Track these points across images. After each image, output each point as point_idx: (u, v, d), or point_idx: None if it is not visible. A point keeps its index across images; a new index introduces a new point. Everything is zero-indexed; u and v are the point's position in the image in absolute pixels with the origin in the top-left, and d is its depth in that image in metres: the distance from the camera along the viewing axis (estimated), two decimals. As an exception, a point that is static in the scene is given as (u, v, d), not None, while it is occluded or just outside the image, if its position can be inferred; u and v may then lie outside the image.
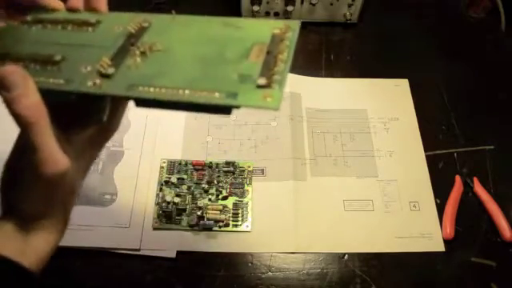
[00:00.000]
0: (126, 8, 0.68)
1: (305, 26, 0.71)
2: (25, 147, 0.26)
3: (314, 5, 0.67)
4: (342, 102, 0.62)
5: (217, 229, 0.51)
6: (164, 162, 0.56)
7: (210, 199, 0.53)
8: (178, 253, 0.50)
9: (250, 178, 0.55)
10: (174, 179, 0.54)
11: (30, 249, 0.29)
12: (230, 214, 0.52)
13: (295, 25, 0.26)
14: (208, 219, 0.51)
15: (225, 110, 0.23)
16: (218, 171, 0.55)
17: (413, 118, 0.61)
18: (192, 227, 0.51)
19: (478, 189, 0.54)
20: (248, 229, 0.51)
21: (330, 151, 0.58)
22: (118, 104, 0.32)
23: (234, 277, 0.49)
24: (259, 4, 0.67)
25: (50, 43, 0.28)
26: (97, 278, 0.49)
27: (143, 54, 0.27)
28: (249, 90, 0.23)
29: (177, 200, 0.52)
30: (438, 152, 0.59)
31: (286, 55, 0.24)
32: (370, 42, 0.70)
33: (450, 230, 0.51)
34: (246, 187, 0.54)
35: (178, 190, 0.53)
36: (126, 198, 0.53)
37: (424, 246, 0.51)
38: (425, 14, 0.74)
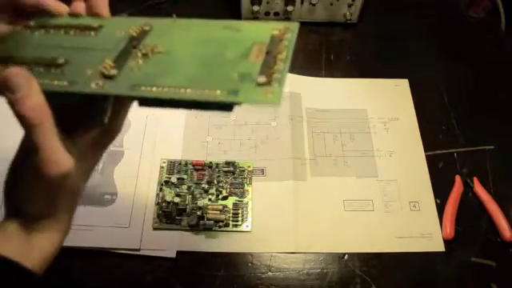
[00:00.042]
0: (127, 7, 0.68)
1: (305, 25, 0.71)
2: (28, 148, 0.26)
3: (314, 5, 0.67)
4: (342, 101, 0.62)
5: (217, 229, 0.51)
6: (164, 162, 0.56)
7: (209, 199, 0.53)
8: (178, 253, 0.50)
9: (250, 178, 0.55)
10: (173, 179, 0.54)
11: (33, 250, 0.29)
12: (230, 214, 0.52)
13: (294, 26, 0.27)
14: (208, 219, 0.51)
15: (226, 107, 0.24)
16: (218, 171, 0.55)
17: (413, 118, 0.61)
18: (192, 227, 0.51)
19: (478, 189, 0.54)
20: (248, 229, 0.51)
21: (330, 151, 0.58)
22: (119, 106, 0.32)
23: (233, 277, 0.49)
24: (259, 4, 0.67)
25: (53, 47, 0.29)
26: (97, 277, 0.49)
27: (145, 55, 0.27)
28: (249, 87, 0.23)
29: (177, 200, 0.52)
30: (438, 152, 0.59)
31: (285, 55, 0.25)
32: (370, 42, 0.70)
33: (449, 230, 0.51)
34: (246, 187, 0.54)
35: (177, 189, 0.53)
36: (126, 198, 0.53)
37: (424, 245, 0.51)
38: (425, 14, 0.74)
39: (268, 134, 0.59)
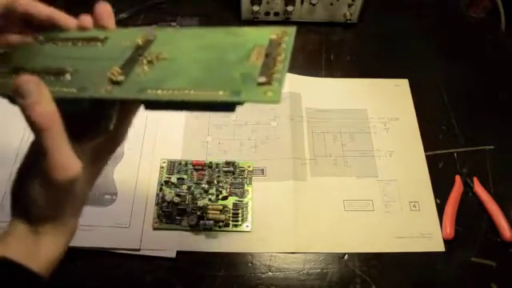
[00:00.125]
0: (127, 7, 0.68)
1: (305, 25, 0.71)
2: (37, 152, 0.27)
3: (314, 5, 0.67)
4: (342, 101, 0.63)
5: (217, 229, 0.51)
6: (164, 162, 0.56)
7: (210, 199, 0.53)
8: (178, 253, 0.50)
9: (250, 178, 0.55)
10: (173, 179, 0.54)
11: (39, 252, 0.30)
12: (230, 214, 0.52)
13: (291, 30, 0.28)
14: (208, 219, 0.51)
15: (229, 107, 0.25)
16: (218, 171, 0.55)
17: (413, 118, 0.61)
18: (192, 227, 0.51)
19: (478, 189, 0.54)
20: (248, 229, 0.51)
21: (330, 151, 0.58)
22: (124, 114, 0.32)
23: (233, 277, 0.49)
24: (259, 4, 0.67)
25: (61, 58, 0.30)
26: (97, 277, 0.49)
27: (150, 62, 0.28)
28: (251, 87, 0.24)
29: (177, 200, 0.52)
30: (438, 152, 0.59)
31: (284, 56, 0.26)
32: (370, 42, 0.70)
33: (449, 230, 0.51)
34: (246, 187, 0.54)
35: (177, 189, 0.53)
36: (126, 198, 0.53)
37: (424, 245, 0.51)
38: (425, 14, 0.74)
39: (268, 134, 0.59)
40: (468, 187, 0.55)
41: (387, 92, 0.64)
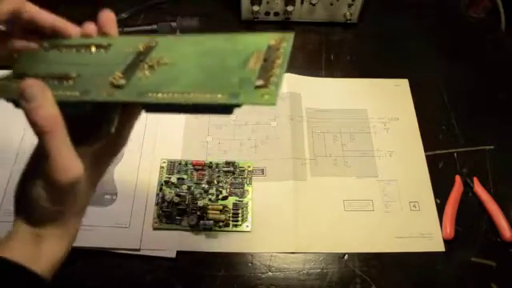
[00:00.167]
0: (127, 7, 0.68)
1: (305, 25, 0.71)
2: (40, 155, 0.28)
3: (314, 5, 0.67)
4: (342, 101, 0.63)
5: (217, 229, 0.51)
6: (164, 162, 0.56)
7: (210, 199, 0.53)
8: (178, 253, 0.50)
9: (250, 178, 0.55)
10: (173, 179, 0.54)
11: (42, 255, 0.30)
12: (230, 214, 0.52)
13: (289, 36, 0.29)
14: (208, 219, 0.51)
15: (227, 109, 0.25)
16: (218, 171, 0.55)
17: (413, 118, 0.61)
18: (192, 227, 0.51)
19: (478, 189, 0.54)
20: (248, 229, 0.51)
21: (330, 151, 0.58)
22: (126, 118, 0.33)
23: (233, 277, 0.49)
24: (259, 4, 0.67)
25: (65, 64, 0.31)
26: (97, 277, 0.49)
27: (151, 67, 0.29)
28: (248, 90, 0.25)
29: (177, 200, 0.52)
30: (438, 152, 0.59)
31: (281, 60, 0.27)
32: (370, 42, 0.70)
33: (449, 230, 0.51)
34: (246, 187, 0.54)
35: (177, 189, 0.53)
36: (126, 198, 0.53)
37: (424, 245, 0.51)
38: (425, 13, 0.74)
39: (268, 134, 0.59)
40: (468, 187, 0.55)
41: (387, 92, 0.64)
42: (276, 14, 0.69)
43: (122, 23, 0.68)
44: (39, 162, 0.28)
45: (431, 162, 0.57)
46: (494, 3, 0.72)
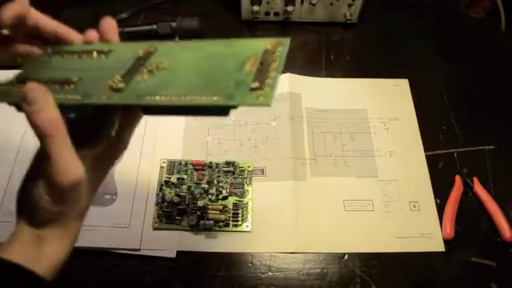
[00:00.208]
0: (127, 7, 0.68)
1: (305, 25, 0.71)
2: (42, 158, 0.28)
3: (314, 5, 0.67)
4: (342, 101, 0.63)
5: (217, 229, 0.51)
6: (164, 162, 0.56)
7: (210, 199, 0.53)
8: (178, 253, 0.50)
9: (250, 178, 0.55)
10: (173, 179, 0.54)
11: (43, 256, 0.30)
12: (230, 214, 0.52)
13: (285, 41, 0.30)
14: (208, 219, 0.51)
15: (223, 111, 0.26)
16: (218, 171, 0.55)
17: (413, 118, 0.61)
18: (192, 227, 0.51)
19: (478, 189, 0.54)
20: (248, 229, 0.51)
21: (330, 151, 0.58)
22: (127, 121, 0.33)
23: (233, 277, 0.49)
24: (259, 4, 0.67)
25: (67, 69, 0.32)
26: (97, 277, 0.49)
27: (150, 71, 0.30)
28: (244, 92, 0.26)
29: (177, 200, 0.52)
30: (438, 152, 0.59)
31: (277, 64, 0.28)
32: (370, 42, 0.70)
33: (450, 230, 0.51)
34: (246, 187, 0.54)
35: (177, 189, 0.53)
36: (126, 198, 0.53)
37: (424, 245, 0.51)
38: (425, 13, 0.74)
39: (268, 134, 0.59)
40: (468, 187, 0.55)
41: (387, 92, 0.64)
42: (276, 13, 0.69)
43: (122, 23, 0.68)
44: (40, 165, 0.29)
45: (431, 162, 0.57)
46: (494, 3, 0.72)
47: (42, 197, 0.29)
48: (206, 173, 0.55)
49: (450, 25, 0.73)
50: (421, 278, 0.50)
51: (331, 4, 0.68)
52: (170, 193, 0.53)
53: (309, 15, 0.70)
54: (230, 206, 0.52)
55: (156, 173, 0.55)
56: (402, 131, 0.60)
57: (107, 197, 0.53)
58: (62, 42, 0.34)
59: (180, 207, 0.52)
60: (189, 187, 0.54)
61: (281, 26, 0.71)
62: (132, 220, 0.51)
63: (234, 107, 0.25)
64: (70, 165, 0.28)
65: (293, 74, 0.63)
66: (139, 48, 0.32)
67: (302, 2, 0.67)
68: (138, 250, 0.49)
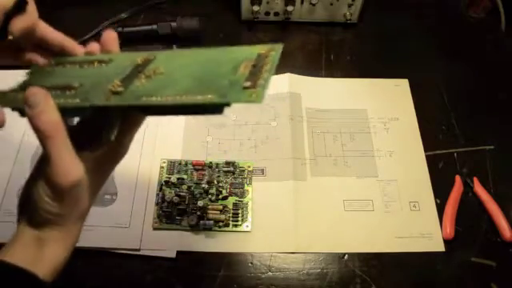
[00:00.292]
0: (127, 7, 0.68)
1: (305, 25, 0.71)
2: (42, 160, 0.29)
3: (314, 5, 0.67)
4: (342, 101, 0.63)
5: (217, 229, 0.51)
6: (164, 162, 0.56)
7: (210, 199, 0.53)
8: (178, 253, 0.50)
9: (250, 178, 0.55)
10: (173, 179, 0.54)
11: (44, 258, 0.31)
12: (230, 214, 0.52)
13: (278, 47, 0.31)
14: (208, 219, 0.51)
15: (217, 109, 0.27)
16: (218, 171, 0.55)
17: (413, 118, 0.61)
18: (192, 227, 0.51)
19: (478, 189, 0.54)
20: (248, 229, 0.51)
21: (330, 151, 0.58)
22: (127, 127, 0.34)
23: (233, 277, 0.49)
24: (259, 4, 0.67)
25: (69, 77, 0.33)
26: (97, 277, 0.49)
27: (148, 77, 0.31)
28: (237, 90, 0.27)
29: (177, 200, 0.52)
30: (438, 152, 0.59)
31: (269, 67, 0.29)
32: (370, 42, 0.70)
33: (450, 230, 0.51)
34: (246, 187, 0.54)
35: (177, 189, 0.53)
36: (126, 198, 0.53)
37: (424, 246, 0.51)
38: (425, 13, 0.74)
39: (268, 134, 0.59)
40: (468, 187, 0.55)
41: (387, 92, 0.64)
42: (276, 13, 0.69)
43: (122, 23, 0.68)
44: (41, 167, 0.29)
45: (431, 162, 0.57)
46: (494, 3, 0.72)
47: (41, 197, 0.29)
48: (205, 173, 0.55)
49: (450, 25, 0.73)
50: (421, 278, 0.50)
51: (331, 4, 0.68)
52: (169, 193, 0.53)
53: (309, 15, 0.70)
54: (230, 206, 0.52)
55: (156, 173, 0.55)
56: (401, 131, 0.60)
57: (107, 197, 0.53)
58: (66, 54, 0.36)
59: (180, 207, 0.52)
60: (189, 187, 0.54)
61: (281, 26, 0.71)
62: (132, 220, 0.51)
63: (228, 105, 0.26)
64: (70, 166, 0.29)
65: (293, 74, 0.63)
66: (138, 57, 0.34)
67: (302, 2, 0.67)
68: (138, 250, 0.49)
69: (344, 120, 0.61)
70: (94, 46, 0.35)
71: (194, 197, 0.53)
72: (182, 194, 0.53)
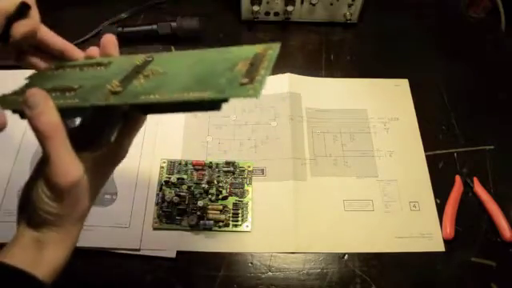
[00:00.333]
0: (127, 7, 0.68)
1: (305, 25, 0.71)
2: (42, 161, 0.30)
3: (314, 5, 0.67)
4: (342, 101, 0.63)
5: (217, 229, 0.51)
6: (164, 162, 0.56)
7: (210, 199, 0.53)
8: (178, 253, 0.50)
9: (250, 178, 0.55)
10: (173, 179, 0.54)
11: (43, 260, 0.31)
12: (230, 214, 0.52)
13: (276, 46, 0.31)
14: (208, 219, 0.51)
15: (215, 105, 0.27)
16: (218, 171, 0.55)
17: (413, 118, 0.61)
18: (192, 227, 0.51)
19: (478, 189, 0.54)
20: (248, 229, 0.51)
21: (330, 151, 0.58)
22: (127, 129, 0.34)
23: (233, 277, 0.49)
24: (259, 4, 0.67)
25: (69, 79, 0.34)
26: (97, 277, 0.49)
27: (146, 76, 0.31)
28: (234, 86, 0.27)
29: (177, 200, 0.52)
30: (438, 152, 0.59)
31: (266, 64, 0.29)
32: (370, 42, 0.70)
33: (450, 230, 0.51)
34: (246, 187, 0.54)
35: (177, 189, 0.53)
36: (126, 198, 0.53)
37: (424, 245, 0.51)
38: (425, 13, 0.74)
39: (268, 134, 0.59)
40: (468, 187, 0.55)
41: (387, 92, 0.64)
42: (276, 13, 0.69)
43: (121, 23, 0.68)
44: (41, 168, 0.29)
45: (431, 162, 0.57)
46: (494, 3, 0.72)
47: (41, 198, 0.30)
48: (205, 173, 0.55)
49: (450, 25, 0.73)
50: (421, 278, 0.50)
51: (331, 4, 0.68)
52: (169, 193, 0.53)
53: (309, 15, 0.70)
54: (230, 206, 0.52)
55: (156, 173, 0.55)
56: (401, 131, 0.60)
57: (107, 197, 0.53)
58: (67, 58, 0.36)
59: (180, 207, 0.52)
60: (189, 187, 0.54)
61: (281, 26, 0.71)
62: (132, 220, 0.51)
63: (226, 100, 0.27)
64: (69, 166, 0.29)
65: (293, 74, 0.63)
66: (137, 58, 0.34)
67: (302, 2, 0.67)
68: (138, 249, 0.49)
69: (344, 120, 0.61)
70: (93, 51, 0.36)
71: (194, 197, 0.53)
72: (181, 193, 0.53)
